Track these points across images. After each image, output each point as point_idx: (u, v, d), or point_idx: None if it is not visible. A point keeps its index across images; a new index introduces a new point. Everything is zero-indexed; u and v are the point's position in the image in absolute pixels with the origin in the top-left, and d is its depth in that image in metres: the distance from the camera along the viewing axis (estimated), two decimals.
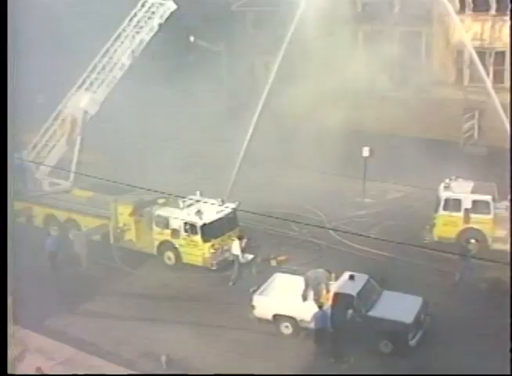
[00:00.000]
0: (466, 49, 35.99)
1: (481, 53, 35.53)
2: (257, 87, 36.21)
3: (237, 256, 28.41)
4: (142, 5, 33.77)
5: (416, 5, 37.79)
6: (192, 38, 38.91)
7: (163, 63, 37.86)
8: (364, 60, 38.04)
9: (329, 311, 23.28)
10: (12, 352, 21.00)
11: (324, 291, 24.22)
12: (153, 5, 33.71)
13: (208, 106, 35.91)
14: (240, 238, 28.70)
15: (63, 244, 29.89)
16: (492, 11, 36.55)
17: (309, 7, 35.42)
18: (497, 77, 36.08)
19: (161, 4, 33.68)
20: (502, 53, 36.37)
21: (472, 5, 37.01)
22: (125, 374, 21.70)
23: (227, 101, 38.85)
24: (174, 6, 33.68)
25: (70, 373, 21.28)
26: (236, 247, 28.47)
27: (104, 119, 33.43)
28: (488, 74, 35.52)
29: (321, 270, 24.90)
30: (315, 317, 23.18)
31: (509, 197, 29.12)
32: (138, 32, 33.33)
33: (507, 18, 36.02)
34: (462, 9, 36.86)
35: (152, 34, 33.27)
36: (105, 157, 35.09)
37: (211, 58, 41.12)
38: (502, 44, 36.32)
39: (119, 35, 33.28)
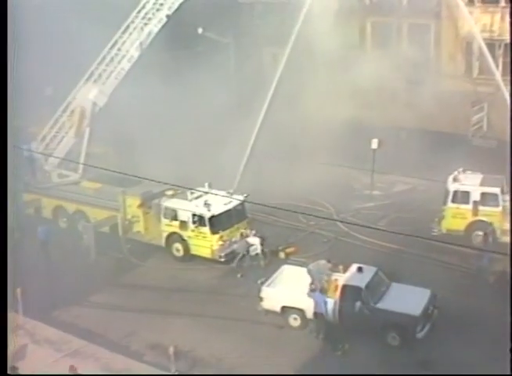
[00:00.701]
0: (475, 41, 35.85)
1: (491, 45, 35.32)
2: (265, 79, 36.17)
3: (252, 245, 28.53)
4: None
5: None
6: (200, 30, 38.83)
7: (171, 54, 37.83)
8: (372, 53, 38.10)
9: (333, 301, 23.39)
10: (11, 352, 21.10)
11: (327, 282, 24.25)
12: None
13: (217, 97, 35.79)
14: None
15: (53, 234, 29.98)
16: (502, 3, 36.21)
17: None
18: (506, 69, 35.64)
19: None
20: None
21: None
22: (126, 374, 21.76)
23: (235, 92, 38.73)
24: None
25: (79, 364, 21.37)
26: (253, 238, 28.67)
27: (112, 111, 33.43)
28: (497, 66, 35.42)
29: (322, 262, 24.98)
30: (316, 303, 23.31)
31: None
32: (146, 24, 33.25)
33: None
34: (471, 0, 36.55)
35: (160, 25, 33.19)
36: (114, 149, 35.14)
37: (219, 50, 41.05)
38: None
39: (127, 27, 33.24)
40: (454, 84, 36.81)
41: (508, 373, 17.49)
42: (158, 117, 34.94)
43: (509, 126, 29.50)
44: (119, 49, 33.29)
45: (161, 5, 33.37)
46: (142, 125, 33.67)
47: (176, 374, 21.68)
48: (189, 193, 29.16)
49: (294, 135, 34.73)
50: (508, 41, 35.75)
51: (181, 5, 33.07)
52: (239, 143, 33.74)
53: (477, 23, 35.77)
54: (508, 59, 35.86)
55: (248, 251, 28.56)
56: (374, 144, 34.60)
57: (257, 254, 28.65)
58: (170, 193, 30.07)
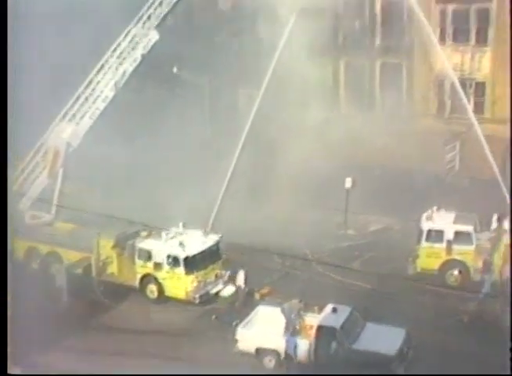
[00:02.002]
0: (446, 80, 36.40)
1: (462, 84, 35.74)
2: (240, 119, 36.37)
3: (240, 287, 28.41)
4: (125, 36, 33.86)
5: (396, 36, 38.29)
6: (175, 69, 39.10)
7: (146, 93, 37.96)
8: (346, 92, 38.62)
9: (308, 342, 23.30)
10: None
11: (300, 323, 24.20)
12: (136, 35, 33.80)
13: (191, 137, 35.94)
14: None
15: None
16: (472, 42, 36.93)
17: (292, 39, 35.83)
18: (478, 108, 36.38)
19: (145, 34, 33.75)
20: (483, 84, 36.76)
21: (452, 36, 37.33)
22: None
23: (210, 132, 38.92)
24: (157, 37, 33.77)
25: None
26: (240, 278, 28.55)
27: (87, 150, 33.35)
28: (469, 105, 35.93)
29: (295, 301, 24.94)
30: (288, 345, 23.23)
31: (491, 227, 29.35)
32: (121, 63, 33.32)
33: (487, 49, 36.49)
34: (442, 39, 37.16)
35: (135, 64, 33.25)
36: (88, 189, 34.96)
37: (194, 89, 41.24)
38: (481, 75, 36.75)
39: (102, 66, 33.27)
40: (427, 123, 37.31)
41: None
42: (132, 157, 34.91)
43: (489, 163, 30.02)
44: (93, 89, 33.24)
45: (136, 43, 33.47)
46: (117, 165, 33.61)
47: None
48: (163, 233, 29.06)
49: (268, 176, 34.83)
50: (479, 80, 36.48)
51: (156, 43, 33.28)
52: (214, 183, 33.73)
53: (448, 62, 36.33)
54: (479, 98, 36.51)
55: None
56: (348, 183, 34.79)
57: (232, 294, 28.58)
58: (144, 233, 29.91)
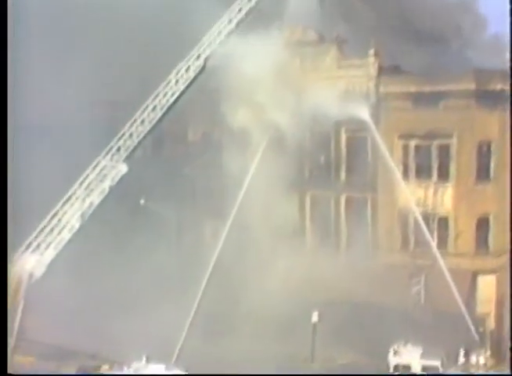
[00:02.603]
0: (410, 215, 37.03)
1: (425, 219, 36.59)
2: (207, 251, 36.47)
3: None
4: (94, 168, 34.19)
5: (361, 171, 39.16)
6: (142, 201, 39.39)
7: (112, 225, 37.95)
8: (312, 225, 39.12)
9: None
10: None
11: None
12: (105, 167, 34.17)
13: (157, 269, 35.84)
14: None
15: None
16: (434, 178, 37.79)
17: (259, 172, 36.60)
18: (441, 243, 36.89)
19: (113, 167, 34.15)
20: (445, 219, 37.36)
21: (415, 172, 38.20)
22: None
23: (176, 264, 38.72)
24: (125, 169, 34.17)
25: None
26: None
27: (50, 280, 32.89)
28: (432, 239, 36.50)
29: None
30: None
31: (459, 362, 29.18)
32: (88, 195, 33.49)
33: (448, 184, 37.35)
34: (405, 175, 38.03)
35: (102, 196, 33.44)
36: (49, 321, 34.24)
37: (162, 220, 41.40)
38: (444, 210, 37.40)
39: (69, 197, 33.38)
40: (391, 257, 37.58)
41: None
42: (96, 288, 34.53)
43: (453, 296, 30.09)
44: (59, 220, 33.19)
45: (105, 176, 33.80)
46: (80, 296, 33.18)
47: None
48: (125, 366, 28.37)
49: (233, 309, 34.56)
50: (441, 215, 37.13)
51: (124, 176, 33.62)
52: (179, 315, 33.31)
53: (411, 197, 37.12)
54: (442, 233, 37.07)
55: None
56: (315, 317, 34.63)
57: None
58: (106, 367, 29.20)
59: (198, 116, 43.63)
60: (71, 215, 33.19)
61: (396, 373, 28.05)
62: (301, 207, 40.83)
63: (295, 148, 37.45)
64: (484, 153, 37.54)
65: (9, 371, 19.13)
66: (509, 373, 18.18)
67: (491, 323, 36.43)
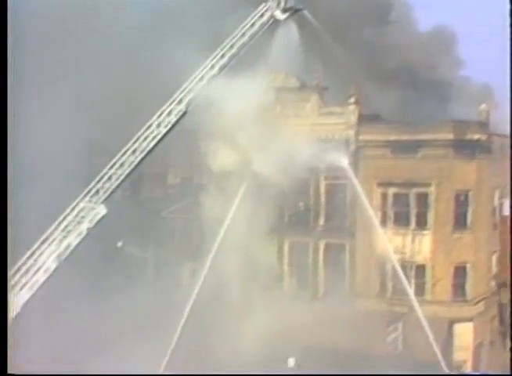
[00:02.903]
0: (388, 262, 37.12)
1: (403, 266, 36.73)
2: (184, 293, 36.23)
3: None
4: (72, 210, 33.98)
5: (340, 217, 39.32)
6: (120, 244, 39.19)
7: (90, 267, 37.64)
8: (290, 270, 39.05)
9: None
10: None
11: None
12: (83, 208, 33.98)
13: (134, 311, 35.48)
14: None
15: None
16: (412, 225, 37.99)
17: (237, 216, 36.64)
18: (418, 290, 36.98)
19: (92, 208, 33.97)
20: (423, 266, 37.49)
21: (393, 220, 38.39)
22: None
23: (153, 306, 38.36)
24: (104, 211, 34.00)
25: None
26: None
27: (23, 322, 32.40)
28: (410, 287, 36.57)
29: None
30: None
31: None
32: (65, 236, 33.22)
33: (426, 232, 37.55)
34: (383, 222, 38.23)
35: (80, 238, 33.19)
36: (22, 362, 33.62)
37: (139, 262, 41.23)
38: (422, 257, 37.57)
39: (46, 238, 33.11)
40: (368, 303, 37.56)
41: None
42: (70, 330, 34.12)
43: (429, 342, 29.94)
44: (35, 260, 32.85)
45: (83, 217, 33.58)
46: (54, 337, 32.74)
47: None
48: None
49: (210, 353, 34.27)
50: (419, 262, 37.26)
51: (103, 217, 33.47)
52: (154, 358, 32.96)
53: (389, 245, 37.26)
54: (420, 280, 37.13)
55: None
56: (291, 363, 34.36)
57: None
58: None
59: (178, 159, 43.76)
60: (47, 256, 32.87)
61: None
62: (279, 253, 40.81)
63: (274, 194, 37.49)
64: (461, 202, 37.91)
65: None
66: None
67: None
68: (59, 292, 32.77)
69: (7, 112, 21.81)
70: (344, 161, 37.95)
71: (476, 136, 37.59)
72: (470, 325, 36.61)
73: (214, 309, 35.24)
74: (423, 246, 37.75)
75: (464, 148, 37.50)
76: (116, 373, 31.02)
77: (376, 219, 37.39)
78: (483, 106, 39.05)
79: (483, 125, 38.35)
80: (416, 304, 35.00)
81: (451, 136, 37.22)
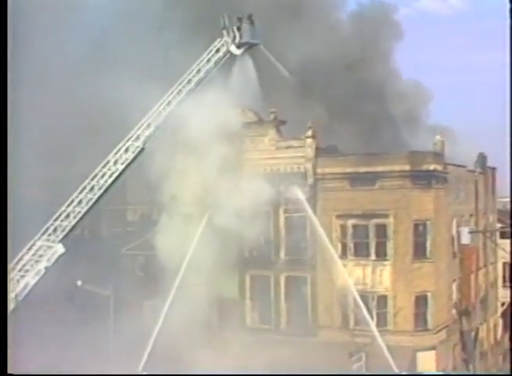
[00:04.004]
0: (350, 293, 37.21)
1: (364, 297, 36.87)
2: (144, 331, 35.88)
3: None
4: (29, 249, 33.59)
5: (300, 250, 39.39)
6: (79, 282, 38.67)
7: (48, 305, 37.10)
8: (252, 304, 38.96)
9: None
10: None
11: None
12: (40, 247, 33.61)
13: (94, 350, 34.97)
14: None
15: None
16: (372, 256, 38.16)
17: (197, 252, 36.57)
18: (380, 320, 37.07)
19: (49, 247, 33.64)
20: (384, 297, 37.60)
21: (353, 251, 38.53)
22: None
23: (113, 344, 37.88)
24: (62, 250, 33.70)
25: None
26: None
27: None
28: (372, 317, 36.69)
29: None
30: None
31: None
32: (23, 276, 32.80)
33: (386, 262, 37.77)
34: (344, 253, 38.38)
35: (38, 277, 32.79)
36: None
37: (98, 300, 40.67)
38: (383, 288, 37.69)
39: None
40: (331, 335, 37.53)
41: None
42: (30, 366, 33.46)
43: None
44: None
45: (40, 256, 33.24)
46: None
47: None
48: None
49: None
50: (380, 293, 37.42)
51: (61, 256, 33.14)
52: None
53: (350, 276, 37.40)
54: (381, 310, 37.28)
55: None
56: None
57: None
58: None
59: (137, 196, 43.60)
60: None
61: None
62: (240, 287, 40.65)
63: (234, 228, 37.50)
64: (420, 232, 38.21)
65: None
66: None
67: None
68: (16, 331, 32.18)
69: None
70: (302, 195, 38.22)
71: (432, 166, 38.06)
72: (432, 353, 36.72)
73: (175, 344, 34.90)
74: (383, 276, 37.90)
75: (421, 178, 37.93)
76: None
77: (335, 252, 37.61)
78: (438, 137, 39.67)
79: (438, 156, 38.90)
80: (377, 334, 35.10)
81: (407, 167, 37.64)
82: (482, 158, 47.77)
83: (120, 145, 36.34)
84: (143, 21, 40.93)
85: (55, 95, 37.25)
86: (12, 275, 32.60)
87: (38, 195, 35.75)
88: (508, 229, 45.20)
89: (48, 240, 33.95)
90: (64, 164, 37.35)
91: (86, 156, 36.64)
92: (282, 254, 40.22)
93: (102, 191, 35.38)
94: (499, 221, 51.67)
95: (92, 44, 39.71)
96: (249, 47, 39.85)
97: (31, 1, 37.62)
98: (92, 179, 35.39)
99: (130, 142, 36.52)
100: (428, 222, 38.15)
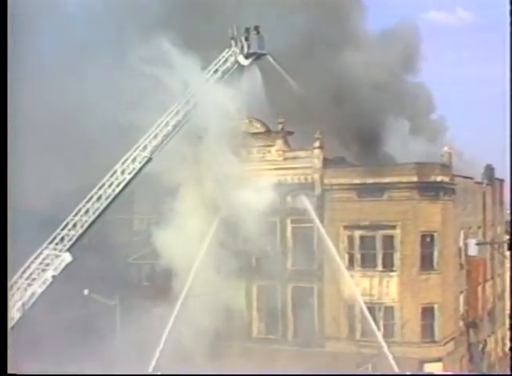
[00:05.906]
0: (356, 304, 37.12)
1: (371, 308, 36.79)
2: (152, 340, 35.85)
3: None
4: (36, 258, 33.58)
5: (307, 260, 39.29)
6: (86, 291, 38.68)
7: (55, 314, 37.05)
8: (258, 315, 38.87)
9: None
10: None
11: None
12: (47, 256, 33.60)
13: (100, 356, 34.95)
14: None
15: None
16: (379, 267, 38.07)
17: (205, 262, 36.55)
18: (387, 331, 36.94)
19: (57, 256, 33.62)
20: (391, 308, 37.48)
21: (360, 262, 38.45)
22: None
23: (121, 352, 37.87)
24: (69, 259, 33.66)
25: None
26: None
27: None
28: (379, 329, 36.57)
29: None
30: None
31: None
32: (30, 284, 32.80)
33: (393, 274, 37.66)
34: (351, 264, 38.31)
35: (45, 286, 32.77)
36: None
37: (105, 308, 40.66)
38: (390, 299, 37.58)
39: (11, 287, 32.60)
40: (338, 345, 37.43)
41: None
42: None
43: None
44: None
45: (47, 265, 33.20)
46: None
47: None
48: None
49: None
50: (387, 304, 37.28)
51: (68, 265, 33.12)
52: None
53: (357, 287, 37.31)
54: (388, 322, 37.13)
55: None
56: None
57: None
58: None
59: (144, 205, 43.60)
60: (12, 306, 32.40)
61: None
62: (247, 297, 40.57)
63: (242, 238, 37.50)
64: (427, 243, 38.12)
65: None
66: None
67: None
68: (22, 341, 32.18)
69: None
70: (309, 205, 38.20)
71: (439, 178, 38.04)
72: (439, 365, 36.56)
73: (182, 355, 34.88)
74: (390, 287, 37.80)
75: (428, 190, 37.90)
76: None
77: (342, 262, 37.55)
78: (445, 149, 39.67)
79: (445, 167, 38.87)
80: (384, 346, 34.98)
81: (415, 178, 37.62)
82: (490, 170, 47.67)
83: (128, 155, 36.34)
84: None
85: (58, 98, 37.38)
86: (20, 283, 32.61)
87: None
88: None
89: (55, 248, 33.93)
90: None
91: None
92: (289, 264, 40.14)
93: (108, 201, 35.36)
94: (507, 232, 51.48)
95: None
96: (257, 57, 39.94)
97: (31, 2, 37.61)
98: (100, 189, 35.40)
99: (137, 152, 36.50)
100: (435, 234, 38.07)
